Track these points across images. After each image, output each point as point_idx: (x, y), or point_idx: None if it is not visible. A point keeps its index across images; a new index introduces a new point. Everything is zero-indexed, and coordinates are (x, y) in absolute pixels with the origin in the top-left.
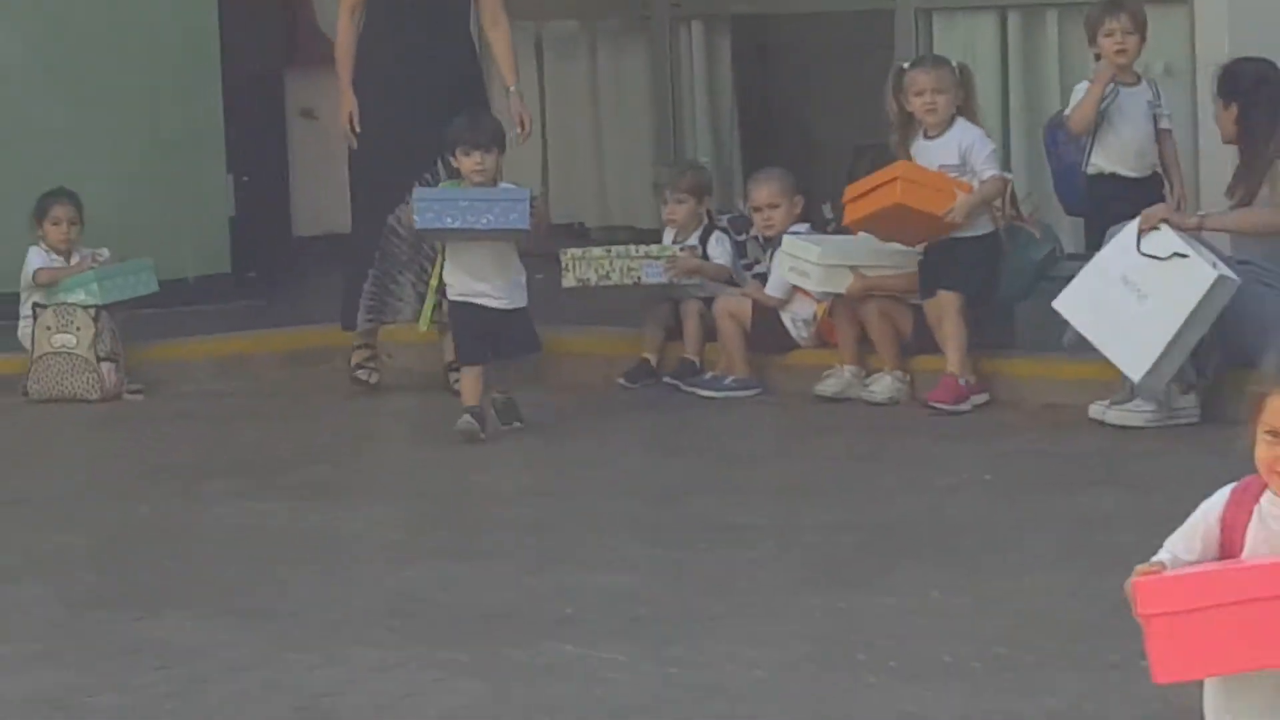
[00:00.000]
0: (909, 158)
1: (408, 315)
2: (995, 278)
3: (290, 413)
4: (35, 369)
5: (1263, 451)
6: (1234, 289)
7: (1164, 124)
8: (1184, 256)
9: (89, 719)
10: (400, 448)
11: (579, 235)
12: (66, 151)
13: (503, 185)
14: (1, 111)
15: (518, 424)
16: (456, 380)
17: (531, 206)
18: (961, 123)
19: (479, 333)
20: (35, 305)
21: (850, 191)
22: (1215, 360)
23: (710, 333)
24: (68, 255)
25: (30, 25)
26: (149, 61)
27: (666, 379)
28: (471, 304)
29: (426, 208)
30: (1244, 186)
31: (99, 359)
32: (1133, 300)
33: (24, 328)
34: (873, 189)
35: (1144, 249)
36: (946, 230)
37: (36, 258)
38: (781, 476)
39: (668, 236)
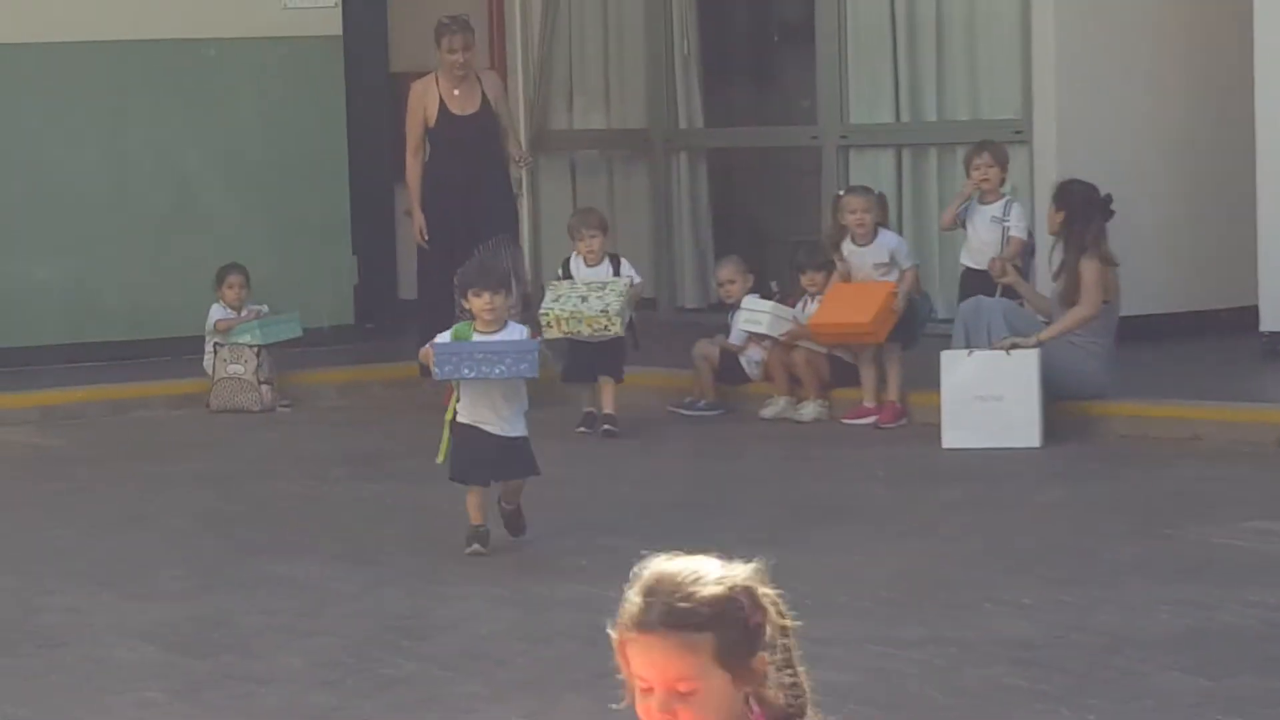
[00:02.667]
0: (841, 258)
1: None
2: (916, 332)
3: (394, 422)
4: (215, 389)
5: (639, 705)
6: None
7: (1012, 232)
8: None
9: (239, 634)
10: None
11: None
12: (238, 236)
13: (510, 325)
14: (192, 208)
15: (523, 534)
16: None
17: (538, 355)
18: (884, 232)
19: (479, 457)
20: (215, 344)
21: (820, 325)
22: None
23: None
24: (239, 309)
25: (212, 142)
26: (297, 171)
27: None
28: (477, 428)
29: (445, 360)
30: (1064, 274)
31: (259, 382)
32: (994, 406)
33: (207, 360)
34: (844, 325)
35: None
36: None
37: (216, 311)
38: (734, 470)
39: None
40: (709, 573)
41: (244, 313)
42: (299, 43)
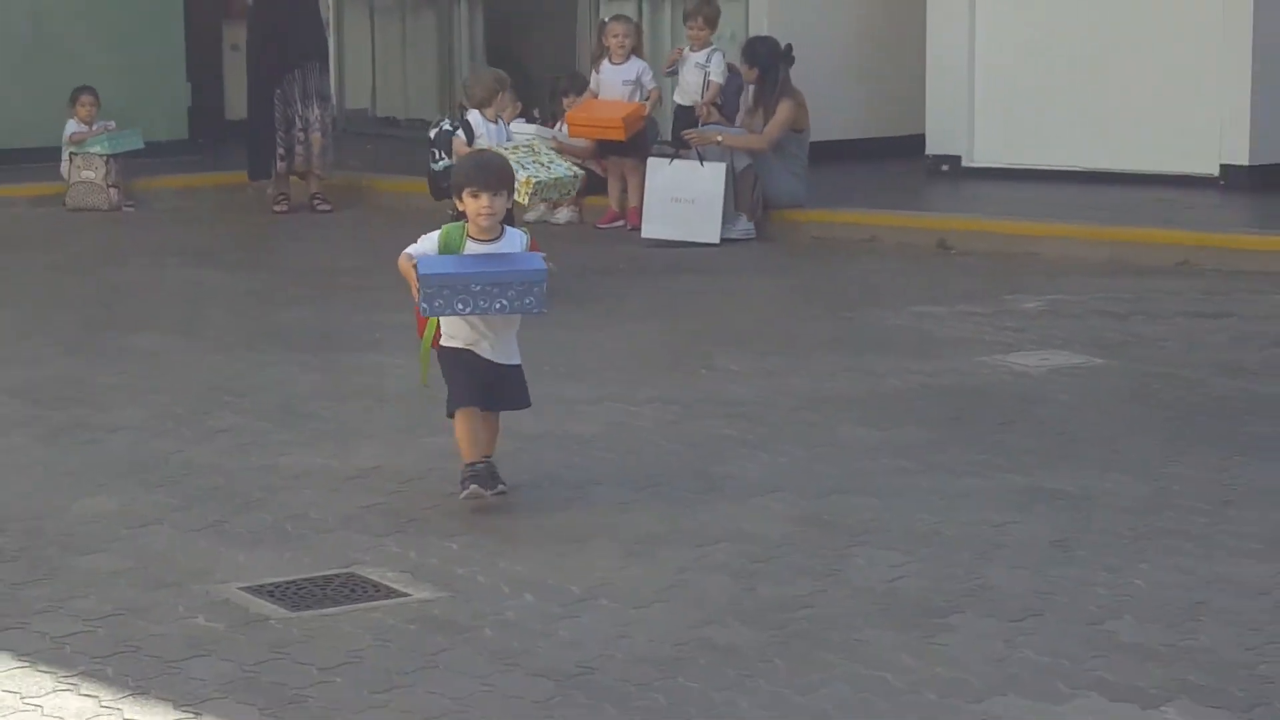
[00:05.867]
0: (597, 74)
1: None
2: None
3: (222, 221)
4: (70, 191)
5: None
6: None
7: (711, 77)
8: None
9: (91, 392)
10: (288, 242)
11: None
12: (90, 63)
13: (509, 232)
14: (50, 40)
15: (502, 488)
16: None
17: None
18: (634, 58)
19: (475, 380)
20: (70, 154)
21: (575, 118)
22: (757, 202)
23: None
24: (90, 124)
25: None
26: (141, 9)
27: None
28: (470, 351)
29: (435, 294)
30: (762, 112)
31: (108, 186)
32: (687, 207)
33: (63, 167)
34: (598, 120)
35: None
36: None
37: (71, 126)
38: None
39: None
40: None
41: (94, 127)
42: None
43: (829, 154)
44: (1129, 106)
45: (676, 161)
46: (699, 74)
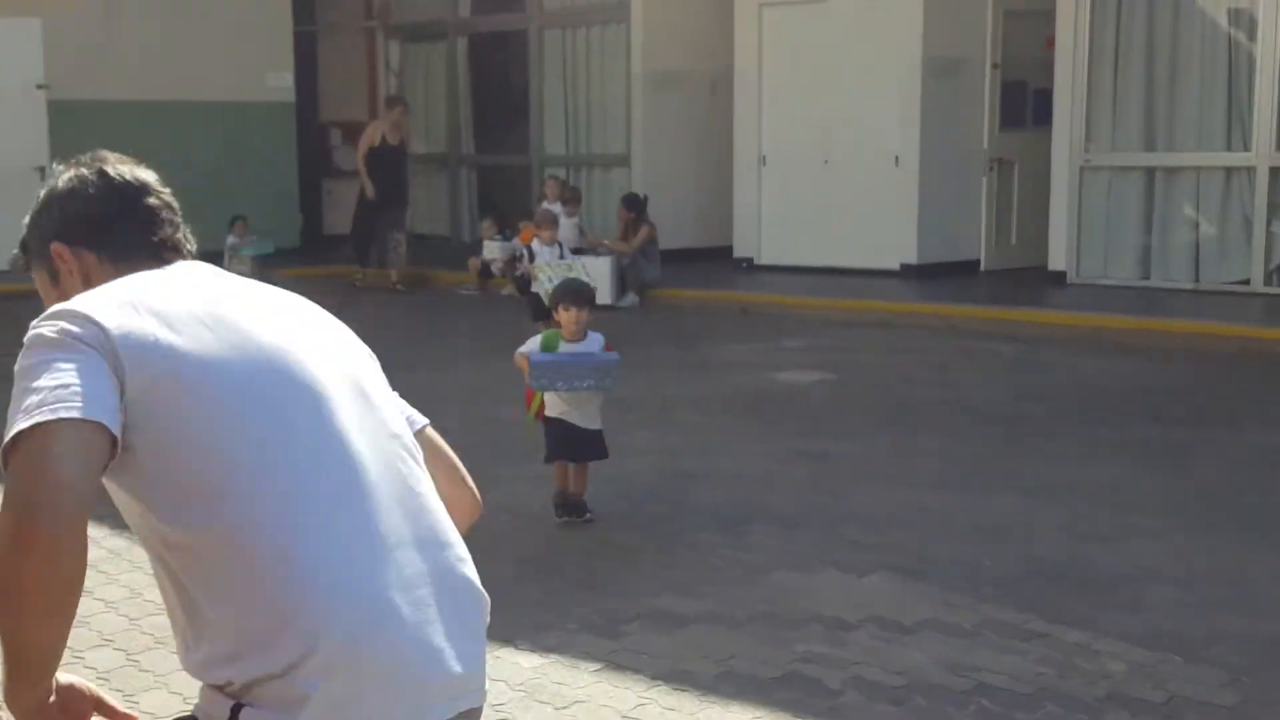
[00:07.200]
0: (545, 209)
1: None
2: None
3: (323, 297)
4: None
5: None
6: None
7: (586, 232)
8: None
9: None
10: (366, 309)
11: (421, 238)
12: (242, 200)
13: (590, 336)
14: (220, 186)
15: (589, 516)
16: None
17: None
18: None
19: (567, 438)
20: (229, 255)
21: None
22: (637, 284)
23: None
24: (242, 238)
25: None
26: (273, 171)
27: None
28: (563, 421)
29: (541, 374)
30: (632, 234)
31: (252, 276)
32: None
33: (224, 264)
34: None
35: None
36: None
37: (231, 239)
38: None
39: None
40: None
41: (244, 239)
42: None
43: (677, 257)
44: (846, 224)
45: (572, 259)
46: (576, 229)
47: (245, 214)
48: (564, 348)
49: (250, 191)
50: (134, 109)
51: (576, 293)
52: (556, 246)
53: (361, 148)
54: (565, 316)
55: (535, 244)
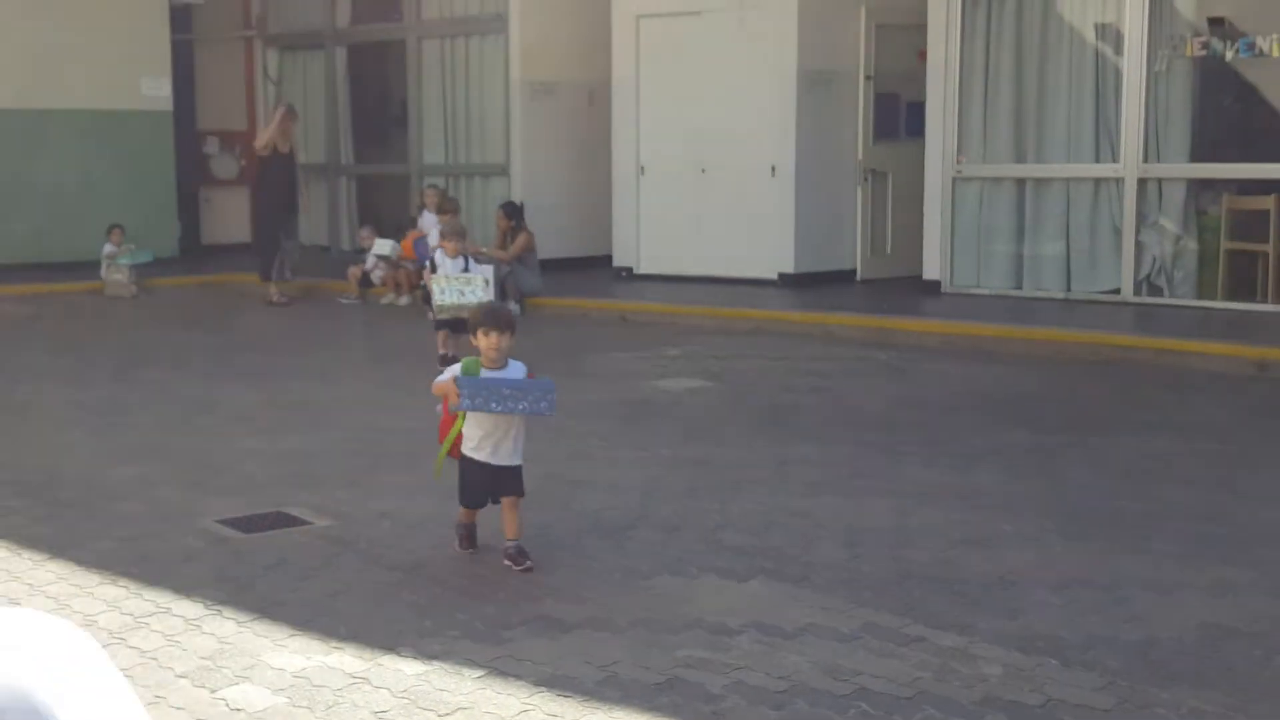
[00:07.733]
0: (422, 219)
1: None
2: None
3: (199, 305)
4: (106, 286)
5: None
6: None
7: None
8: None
9: (124, 403)
10: (246, 318)
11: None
12: (119, 208)
13: (511, 363)
14: (96, 194)
15: (529, 564)
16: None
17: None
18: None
19: (479, 485)
20: (106, 263)
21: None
22: (518, 293)
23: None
24: (118, 246)
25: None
26: (149, 178)
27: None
28: (476, 461)
29: (474, 394)
30: (511, 242)
31: (130, 282)
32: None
33: (102, 271)
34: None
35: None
36: None
37: (107, 247)
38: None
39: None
40: None
41: (120, 248)
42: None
43: (557, 266)
44: (724, 233)
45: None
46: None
47: (122, 222)
48: (485, 375)
49: (128, 200)
50: (9, 117)
51: (497, 317)
52: (461, 259)
53: (259, 143)
54: (485, 342)
55: (439, 255)
